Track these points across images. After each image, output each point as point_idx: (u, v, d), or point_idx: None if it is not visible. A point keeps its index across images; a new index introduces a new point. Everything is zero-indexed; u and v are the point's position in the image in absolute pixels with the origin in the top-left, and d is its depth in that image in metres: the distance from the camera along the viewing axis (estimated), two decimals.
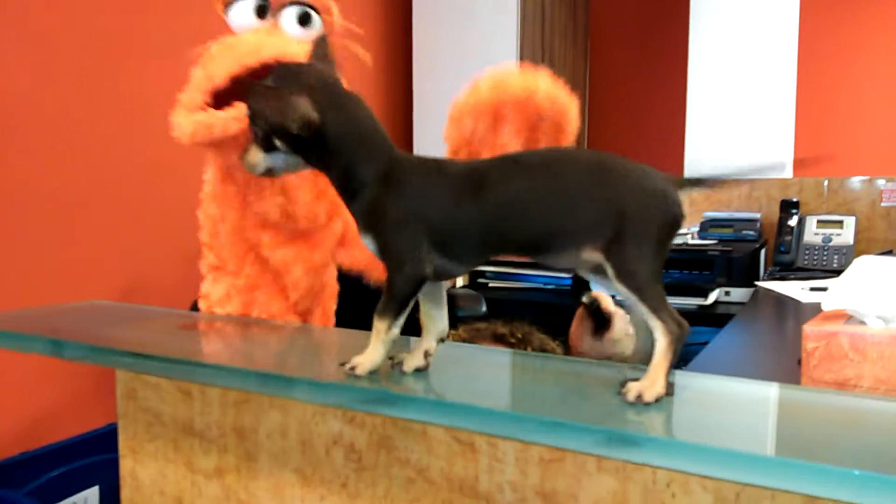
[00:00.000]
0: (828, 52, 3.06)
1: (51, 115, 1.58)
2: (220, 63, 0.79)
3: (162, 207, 1.78)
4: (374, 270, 0.90)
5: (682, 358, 1.13)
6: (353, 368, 0.59)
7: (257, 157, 0.61)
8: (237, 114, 0.77)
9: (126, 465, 0.82)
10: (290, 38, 0.85)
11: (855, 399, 0.61)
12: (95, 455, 1.62)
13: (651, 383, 0.52)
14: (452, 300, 1.77)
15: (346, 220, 0.91)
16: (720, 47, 2.78)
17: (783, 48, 2.67)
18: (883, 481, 0.40)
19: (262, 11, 0.83)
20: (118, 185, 1.71)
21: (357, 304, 0.94)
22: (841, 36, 3.07)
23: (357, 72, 2.72)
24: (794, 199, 2.10)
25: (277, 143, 0.59)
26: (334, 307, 0.94)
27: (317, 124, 0.57)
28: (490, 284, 2.22)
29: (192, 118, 0.79)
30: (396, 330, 0.58)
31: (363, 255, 0.89)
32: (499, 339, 1.22)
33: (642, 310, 0.53)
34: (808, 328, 0.77)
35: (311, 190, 0.85)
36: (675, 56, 3.02)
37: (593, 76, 3.41)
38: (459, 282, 2.20)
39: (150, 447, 0.80)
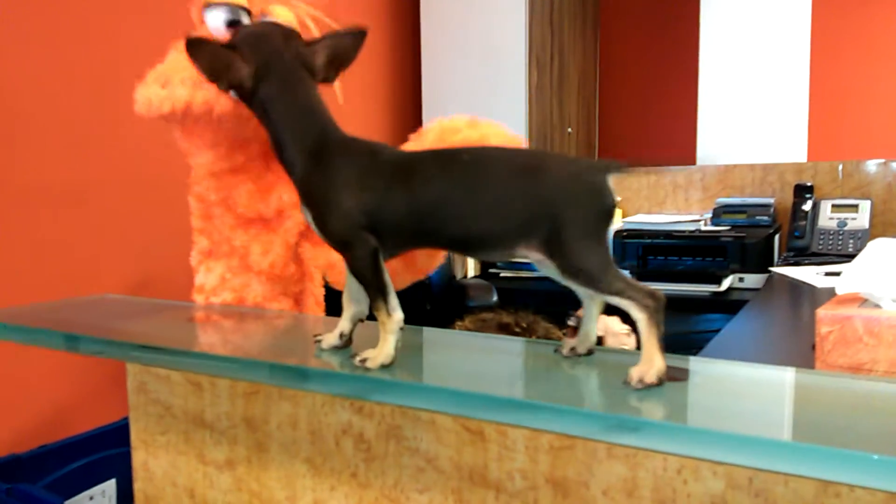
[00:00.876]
0: (841, 33, 3.02)
1: (61, 111, 1.59)
2: (180, 62, 0.83)
3: (172, 202, 1.78)
4: (331, 272, 0.91)
5: (696, 345, 1.12)
6: (363, 361, 0.58)
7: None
8: (168, 94, 0.81)
9: (138, 457, 0.82)
10: None
11: (870, 383, 0.60)
12: (112, 448, 1.63)
13: (649, 364, 0.52)
14: (464, 290, 1.77)
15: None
16: (732, 33, 2.74)
17: (796, 31, 2.64)
18: None
19: (232, 25, 0.86)
20: (129, 179, 1.72)
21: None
22: (855, 16, 3.02)
23: (367, 66, 2.71)
24: (809, 184, 2.07)
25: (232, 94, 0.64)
26: (323, 293, 0.96)
27: (247, 89, 0.61)
28: (501, 274, 2.21)
29: (143, 91, 0.83)
30: (397, 314, 0.58)
31: (323, 256, 0.91)
32: (504, 329, 1.23)
33: (607, 299, 0.53)
34: (822, 312, 0.76)
35: (253, 185, 0.88)
36: (686, 43, 2.99)
37: (603, 67, 3.38)
38: (471, 272, 2.20)
39: (162, 439, 0.80)
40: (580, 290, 0.58)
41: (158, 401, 0.80)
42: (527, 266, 2.18)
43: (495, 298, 1.74)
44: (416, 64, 2.78)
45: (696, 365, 0.60)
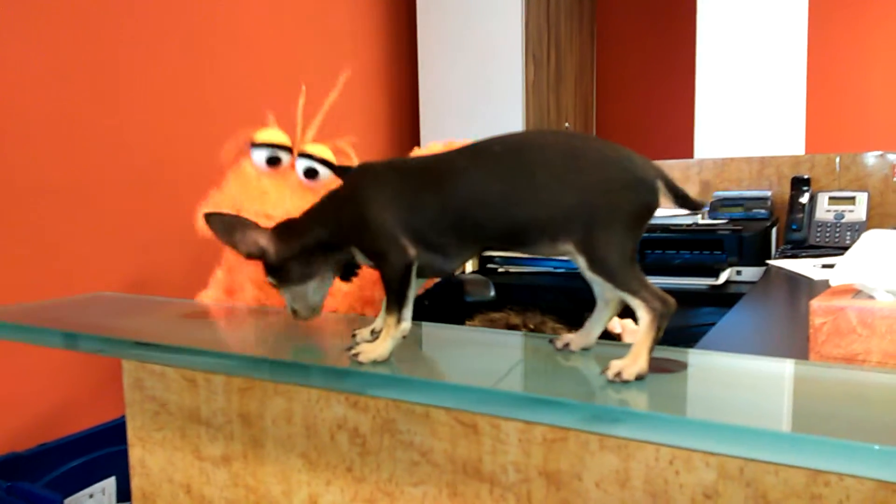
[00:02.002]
0: (838, 25, 3.02)
1: (58, 110, 1.59)
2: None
3: (169, 200, 1.78)
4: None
5: (694, 338, 1.12)
6: (356, 355, 0.59)
7: (284, 297, 0.66)
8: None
9: (135, 453, 0.83)
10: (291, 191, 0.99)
11: (863, 373, 0.60)
12: (112, 446, 1.63)
13: (633, 361, 0.52)
14: (461, 285, 1.76)
15: None
16: (728, 26, 2.74)
17: (793, 23, 2.64)
18: None
19: (272, 162, 0.98)
20: (126, 178, 1.72)
21: None
22: (852, 9, 3.02)
23: (363, 63, 2.71)
24: (806, 176, 2.07)
25: (271, 281, 0.64)
26: None
27: (273, 254, 0.62)
28: (500, 270, 2.21)
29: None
30: (406, 324, 0.58)
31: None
32: (512, 329, 1.23)
33: (622, 295, 0.53)
34: (816, 303, 0.76)
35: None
36: (683, 37, 2.99)
37: (600, 60, 3.38)
38: (469, 267, 2.20)
39: (158, 436, 0.80)
40: (600, 289, 0.57)
41: (154, 397, 0.80)
42: (525, 261, 2.18)
43: (493, 294, 1.74)
44: (413, 60, 2.77)
45: (689, 357, 0.60)
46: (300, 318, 0.65)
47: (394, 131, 2.76)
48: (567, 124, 2.98)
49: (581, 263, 0.53)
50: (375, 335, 0.62)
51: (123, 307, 0.96)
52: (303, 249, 0.62)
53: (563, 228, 0.53)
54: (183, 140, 1.83)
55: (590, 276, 0.54)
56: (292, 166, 0.99)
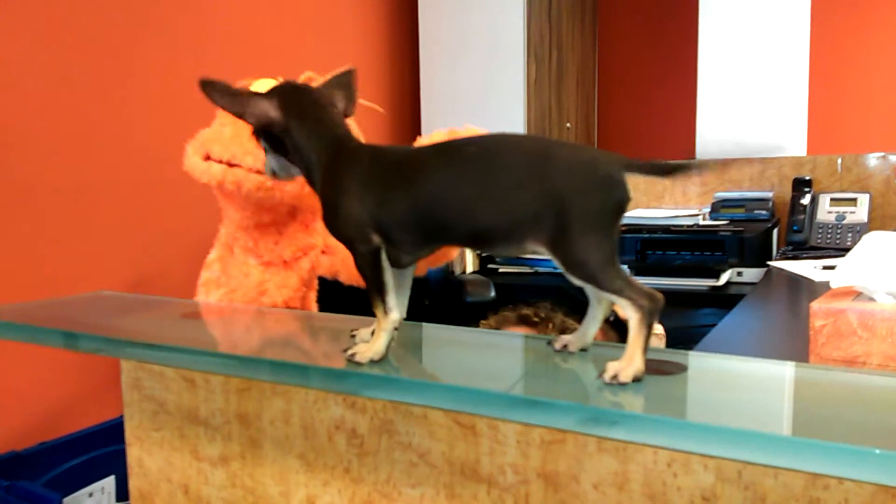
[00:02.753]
0: (841, 26, 3.01)
1: (61, 111, 1.59)
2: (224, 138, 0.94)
3: (169, 201, 1.78)
4: (341, 273, 1.00)
5: (694, 339, 1.12)
6: (353, 356, 0.58)
7: (266, 159, 0.68)
8: (211, 174, 0.95)
9: (133, 453, 0.83)
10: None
11: (863, 376, 0.60)
12: (111, 445, 1.63)
13: (628, 363, 0.51)
14: (461, 286, 1.76)
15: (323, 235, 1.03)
16: (731, 26, 2.74)
17: (795, 24, 2.63)
18: None
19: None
20: (127, 179, 1.72)
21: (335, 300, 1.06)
22: (854, 9, 3.01)
23: (365, 61, 2.71)
24: (807, 178, 2.07)
25: (263, 143, 0.66)
26: (314, 298, 1.06)
27: (281, 123, 0.63)
28: (500, 270, 2.21)
29: (194, 161, 0.95)
30: (394, 314, 0.58)
31: (339, 261, 1.02)
32: (523, 320, 1.25)
33: (606, 296, 0.53)
34: (816, 305, 0.76)
35: (279, 235, 1.01)
36: (685, 37, 2.99)
37: (602, 61, 3.38)
38: (469, 267, 2.20)
39: (157, 436, 0.80)
40: (587, 289, 0.57)
41: (153, 397, 0.80)
42: (526, 262, 2.18)
43: (493, 294, 1.74)
44: (415, 59, 2.77)
45: (688, 359, 0.60)
46: (278, 178, 0.68)
47: (395, 130, 2.76)
48: (568, 125, 2.98)
49: (559, 265, 0.53)
50: None
51: (123, 306, 0.95)
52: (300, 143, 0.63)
53: (528, 231, 0.53)
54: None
55: (569, 278, 0.53)
56: None
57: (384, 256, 0.58)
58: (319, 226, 0.98)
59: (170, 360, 0.74)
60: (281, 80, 0.90)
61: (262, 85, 0.91)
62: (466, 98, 2.65)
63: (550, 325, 1.22)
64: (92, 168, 1.66)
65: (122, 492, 1.65)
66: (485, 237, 0.56)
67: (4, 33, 1.50)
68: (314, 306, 1.03)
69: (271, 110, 0.63)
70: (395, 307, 0.58)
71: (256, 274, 0.96)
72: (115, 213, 1.70)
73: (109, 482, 1.64)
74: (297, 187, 0.91)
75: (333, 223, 0.60)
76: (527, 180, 0.53)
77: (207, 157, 0.92)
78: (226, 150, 0.90)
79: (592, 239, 0.51)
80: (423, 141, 0.90)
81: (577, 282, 0.53)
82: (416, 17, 2.74)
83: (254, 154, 0.90)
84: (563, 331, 1.22)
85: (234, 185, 0.90)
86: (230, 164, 0.91)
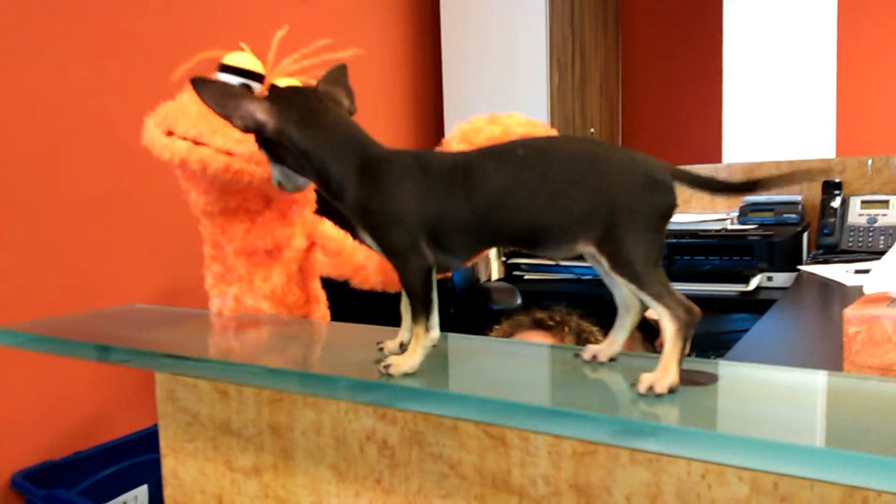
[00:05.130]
0: (868, 26, 2.97)
1: (95, 126, 1.62)
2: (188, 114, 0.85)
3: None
4: (357, 276, 0.93)
5: (724, 345, 1.11)
6: (387, 367, 0.58)
7: (271, 169, 0.65)
8: (172, 149, 0.84)
9: (168, 464, 0.84)
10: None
11: None
12: (144, 455, 1.66)
13: (663, 374, 0.51)
14: (487, 293, 1.77)
15: (323, 232, 0.94)
16: (756, 28, 2.71)
17: (822, 24, 2.60)
18: None
19: (245, 87, 0.86)
20: (157, 192, 1.75)
21: (347, 307, 1.02)
22: (882, 9, 2.97)
23: (388, 71, 2.73)
24: (837, 180, 2.04)
25: (264, 153, 0.63)
26: (328, 314, 0.99)
27: (271, 127, 0.60)
28: (525, 277, 2.21)
29: (153, 133, 0.85)
30: (435, 332, 0.58)
31: (347, 263, 0.93)
32: (538, 324, 1.24)
33: (645, 298, 0.52)
34: (850, 312, 0.75)
35: (250, 223, 0.91)
36: (710, 40, 2.96)
37: (625, 66, 3.36)
38: (494, 275, 2.20)
39: (190, 447, 0.81)
40: (622, 294, 0.58)
41: (186, 409, 0.81)
42: (552, 268, 2.17)
43: (519, 301, 1.74)
44: (437, 68, 2.79)
45: (720, 369, 0.60)
46: (284, 190, 0.66)
47: (419, 140, 2.77)
48: (592, 130, 2.97)
49: (604, 264, 0.53)
50: (404, 347, 0.62)
51: (157, 319, 0.97)
52: (301, 150, 0.60)
53: (581, 229, 0.53)
54: None
55: (613, 276, 0.53)
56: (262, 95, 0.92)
57: (434, 274, 0.58)
58: (298, 218, 0.90)
59: (201, 372, 0.75)
60: (244, 47, 0.88)
61: (233, 57, 0.86)
62: (489, 106, 2.64)
63: (566, 329, 1.21)
64: (125, 180, 1.69)
65: (155, 501, 1.68)
66: (539, 237, 0.56)
67: (41, 48, 1.53)
68: (323, 311, 0.97)
69: (259, 113, 0.60)
70: (437, 326, 0.58)
71: (242, 266, 0.90)
72: (148, 226, 1.73)
73: (142, 491, 1.66)
74: (266, 171, 0.82)
75: (386, 236, 0.57)
76: (580, 178, 0.54)
77: (170, 133, 0.84)
78: (192, 126, 0.82)
79: (640, 238, 0.52)
80: (462, 128, 0.85)
81: (620, 280, 0.53)
82: (439, 26, 2.76)
83: (223, 133, 0.82)
84: (580, 334, 1.21)
85: (199, 165, 0.82)
86: (196, 143, 0.82)
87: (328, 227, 0.94)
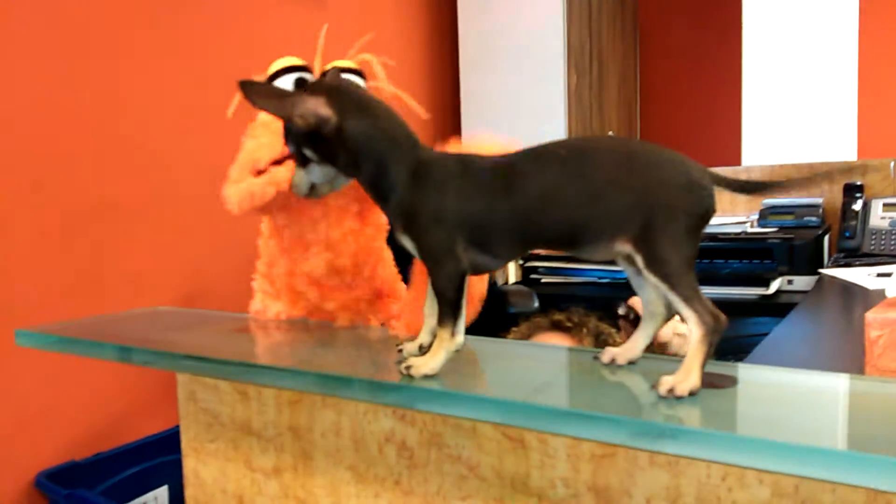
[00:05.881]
0: (890, 27, 2.93)
1: (118, 132, 1.65)
2: (264, 144, 0.81)
3: (222, 217, 1.83)
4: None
5: (744, 349, 1.10)
6: (408, 368, 0.59)
7: (297, 175, 0.64)
8: (270, 178, 0.78)
9: (189, 464, 0.85)
10: None
11: None
12: (165, 455, 1.68)
13: (685, 377, 0.51)
14: (504, 297, 1.76)
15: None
16: (776, 29, 2.69)
17: (843, 24, 2.57)
18: None
19: (301, 83, 0.82)
20: (181, 196, 1.77)
21: None
22: None
23: (406, 75, 2.73)
24: (858, 182, 2.01)
25: (308, 153, 0.61)
26: None
27: (333, 122, 0.58)
28: (543, 280, 2.21)
29: (235, 188, 0.82)
30: (460, 337, 0.58)
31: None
32: (556, 326, 1.24)
33: (674, 300, 0.52)
34: (871, 315, 0.74)
35: (355, 241, 0.84)
36: (729, 41, 2.95)
37: (644, 68, 3.35)
38: (511, 278, 2.19)
39: (211, 447, 0.82)
40: (648, 300, 0.58)
41: (207, 409, 0.82)
42: (569, 272, 2.17)
43: (536, 304, 1.74)
44: (455, 71, 2.79)
45: (740, 371, 0.59)
46: (315, 195, 0.64)
47: (434, 141, 2.77)
48: (610, 133, 2.96)
49: (639, 262, 0.53)
50: (424, 350, 0.62)
51: (178, 321, 0.98)
52: (366, 150, 0.59)
53: (620, 228, 0.54)
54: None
55: (646, 275, 0.53)
56: None
57: (467, 280, 0.58)
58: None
59: (222, 373, 0.76)
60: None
61: (278, 61, 0.83)
62: (506, 109, 2.65)
63: (584, 330, 1.21)
64: (148, 183, 1.71)
65: (176, 501, 1.69)
66: (579, 237, 0.56)
67: (58, 56, 1.56)
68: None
69: (321, 108, 0.58)
70: (463, 332, 0.58)
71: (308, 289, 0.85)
72: (171, 229, 1.75)
73: (163, 492, 1.68)
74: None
75: (424, 238, 0.57)
76: (621, 178, 0.54)
77: (259, 173, 0.81)
78: (271, 150, 0.79)
79: (677, 239, 0.52)
80: (468, 144, 0.83)
81: (653, 280, 0.53)
82: (456, 30, 2.76)
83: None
84: (598, 335, 1.21)
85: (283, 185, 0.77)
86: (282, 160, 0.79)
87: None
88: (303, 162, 0.63)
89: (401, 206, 0.59)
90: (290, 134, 0.62)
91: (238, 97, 0.85)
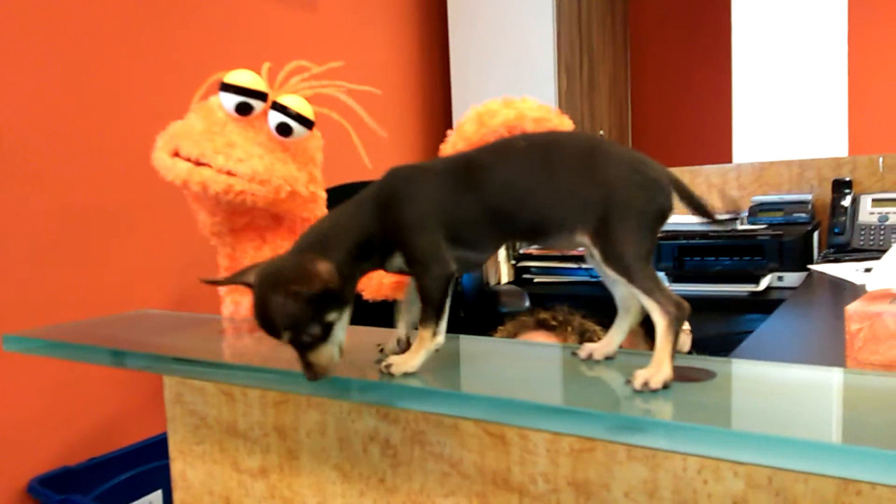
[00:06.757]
0: (880, 22, 2.95)
1: (104, 136, 1.65)
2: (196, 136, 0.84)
3: None
4: (369, 287, 0.89)
5: (734, 346, 1.11)
6: (388, 367, 0.59)
7: (324, 354, 0.56)
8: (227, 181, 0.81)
9: (176, 467, 0.85)
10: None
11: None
12: (158, 460, 1.68)
13: (657, 369, 0.52)
14: (496, 296, 1.77)
15: None
16: (765, 26, 2.71)
17: (832, 21, 2.59)
18: None
19: (243, 109, 0.84)
20: (166, 199, 1.77)
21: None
22: (893, 4, 2.95)
23: (397, 75, 2.73)
24: (847, 179, 2.02)
25: (332, 315, 0.55)
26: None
27: (336, 279, 0.54)
28: (535, 280, 2.21)
29: (184, 165, 0.82)
30: (440, 338, 0.58)
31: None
32: (541, 325, 1.24)
33: (635, 292, 0.53)
34: (851, 309, 0.75)
35: (260, 241, 0.90)
36: (719, 39, 2.96)
37: (634, 67, 3.36)
38: (504, 277, 2.20)
39: (198, 449, 0.82)
40: (622, 296, 0.58)
41: (194, 412, 0.82)
42: (561, 271, 2.18)
43: (527, 304, 1.74)
44: (445, 72, 2.80)
45: (717, 365, 0.60)
46: (333, 370, 0.57)
47: (427, 145, 2.78)
48: (601, 132, 2.97)
49: (597, 256, 0.55)
50: (402, 346, 0.63)
51: (165, 324, 0.98)
52: (350, 258, 0.56)
53: (579, 220, 0.55)
54: None
55: (605, 270, 0.55)
56: (265, 114, 0.85)
57: (453, 283, 0.58)
58: None
59: (208, 375, 0.76)
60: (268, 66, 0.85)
61: (234, 76, 0.85)
62: None
63: (569, 329, 1.21)
64: (135, 188, 1.71)
65: None
66: (544, 226, 0.57)
67: (49, 59, 1.56)
68: None
69: (329, 271, 0.53)
70: (444, 332, 0.58)
71: None
72: (155, 232, 1.75)
73: (157, 497, 1.68)
74: (271, 192, 0.81)
75: (412, 246, 0.57)
76: (579, 169, 0.55)
77: (175, 154, 0.83)
78: (195, 146, 0.81)
79: (632, 233, 0.53)
80: (477, 110, 0.83)
81: (612, 274, 0.54)
82: (447, 31, 2.77)
83: (225, 153, 0.80)
84: (583, 333, 1.21)
85: (200, 187, 0.80)
86: (198, 163, 0.81)
87: None
88: (325, 333, 0.55)
89: (400, 233, 0.57)
90: (308, 313, 0.54)
91: (203, 88, 0.89)
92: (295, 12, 2.18)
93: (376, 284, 0.89)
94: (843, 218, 1.96)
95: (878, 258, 1.71)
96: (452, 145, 0.79)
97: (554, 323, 1.20)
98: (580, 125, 2.77)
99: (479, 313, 1.76)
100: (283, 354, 0.79)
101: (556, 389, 0.59)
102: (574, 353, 0.62)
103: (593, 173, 0.55)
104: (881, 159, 2.07)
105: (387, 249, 0.59)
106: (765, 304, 1.81)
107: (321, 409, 0.71)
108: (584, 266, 2.10)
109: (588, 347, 0.61)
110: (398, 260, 0.59)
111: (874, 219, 1.94)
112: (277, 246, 0.90)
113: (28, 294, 1.52)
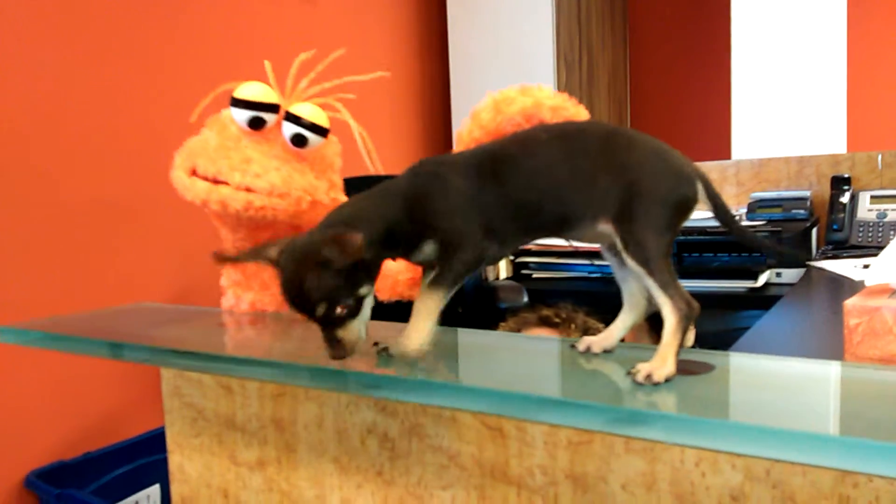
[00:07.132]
0: (879, 19, 2.95)
1: (106, 130, 1.64)
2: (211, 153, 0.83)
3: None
4: (385, 287, 0.87)
5: (733, 342, 1.11)
6: (385, 349, 0.59)
7: (351, 330, 0.55)
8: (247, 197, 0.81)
9: (174, 460, 0.85)
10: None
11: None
12: (156, 454, 1.68)
13: (661, 363, 0.52)
14: (494, 292, 1.77)
15: None
16: (764, 23, 2.70)
17: (831, 18, 2.58)
18: None
19: (256, 123, 0.83)
20: (164, 192, 1.76)
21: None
22: (892, 1, 2.95)
23: (395, 70, 2.72)
24: (846, 175, 2.02)
25: (364, 289, 0.55)
26: None
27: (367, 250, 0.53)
28: (534, 276, 2.21)
29: (202, 185, 0.82)
30: (442, 305, 0.56)
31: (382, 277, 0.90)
32: (544, 321, 1.24)
33: (650, 285, 0.53)
34: (850, 303, 0.75)
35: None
36: (718, 35, 2.95)
37: (634, 62, 3.35)
38: (503, 273, 2.20)
39: (196, 442, 0.82)
40: (630, 292, 0.58)
41: (192, 404, 0.82)
42: (560, 267, 2.17)
43: (526, 300, 1.74)
44: (444, 66, 2.79)
45: (715, 359, 0.60)
46: (358, 347, 0.57)
47: (426, 138, 2.78)
48: None
49: (618, 244, 0.54)
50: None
51: (164, 316, 0.98)
52: (376, 240, 0.55)
53: (602, 207, 0.55)
54: None
55: (625, 259, 0.54)
56: (279, 125, 0.85)
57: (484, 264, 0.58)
58: None
59: (206, 368, 0.76)
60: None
61: (244, 90, 0.84)
62: None
63: (572, 326, 1.21)
64: (135, 182, 1.71)
65: (168, 500, 1.69)
66: (570, 217, 0.56)
67: (52, 53, 1.56)
68: None
69: (349, 237, 0.52)
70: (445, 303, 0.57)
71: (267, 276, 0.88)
72: (154, 226, 1.75)
73: (155, 490, 1.68)
74: (292, 204, 0.81)
75: (448, 228, 0.56)
76: (602, 157, 0.55)
77: (193, 172, 0.82)
78: (212, 164, 0.80)
79: (655, 223, 0.53)
80: (494, 98, 0.82)
81: (631, 264, 0.54)
82: (446, 25, 2.76)
83: (241, 169, 0.79)
84: (586, 331, 1.21)
85: (220, 205, 0.80)
86: (216, 181, 0.80)
87: None
88: (357, 307, 0.55)
89: (420, 232, 0.56)
90: (343, 284, 0.53)
91: (204, 102, 0.88)
92: (295, 6, 2.17)
93: (391, 283, 0.88)
94: (842, 214, 1.96)
95: (876, 255, 1.72)
96: (469, 132, 0.78)
97: (557, 320, 1.20)
98: None
99: (477, 309, 1.76)
100: (280, 347, 0.79)
101: (555, 382, 0.59)
102: (572, 346, 0.62)
103: (616, 159, 0.55)
104: (880, 156, 2.07)
105: (414, 240, 0.57)
106: (763, 300, 1.81)
107: (319, 401, 0.71)
108: (582, 262, 2.10)
109: (587, 340, 0.61)
110: (428, 248, 0.57)
111: (872, 215, 1.94)
112: None
113: (27, 288, 1.52)
